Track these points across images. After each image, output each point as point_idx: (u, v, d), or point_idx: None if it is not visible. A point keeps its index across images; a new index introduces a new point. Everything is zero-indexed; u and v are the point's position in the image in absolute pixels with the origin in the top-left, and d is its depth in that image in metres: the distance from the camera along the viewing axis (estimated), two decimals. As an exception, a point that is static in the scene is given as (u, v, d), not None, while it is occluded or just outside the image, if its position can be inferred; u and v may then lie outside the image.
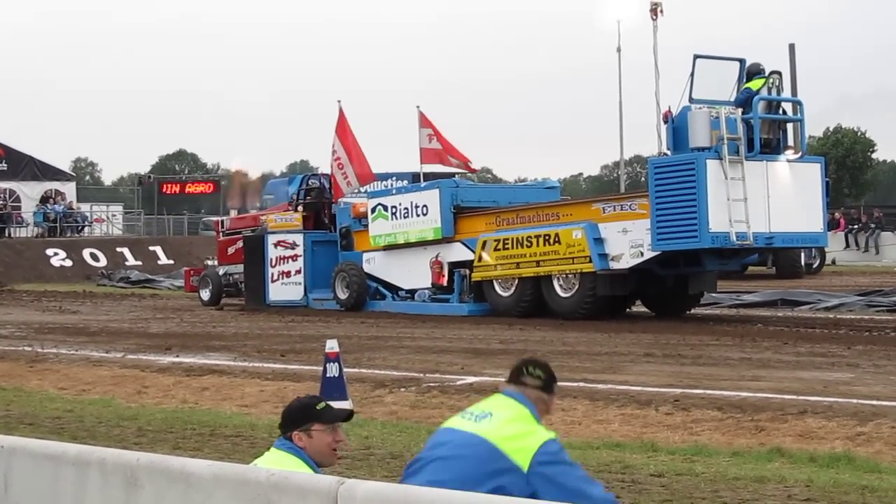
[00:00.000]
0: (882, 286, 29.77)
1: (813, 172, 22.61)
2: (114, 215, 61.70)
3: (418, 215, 26.10)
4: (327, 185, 29.69)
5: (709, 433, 11.29)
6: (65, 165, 67.04)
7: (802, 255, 37.11)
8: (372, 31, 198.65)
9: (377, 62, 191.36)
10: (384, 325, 23.41)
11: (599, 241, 22.70)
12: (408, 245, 26.40)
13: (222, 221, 34.53)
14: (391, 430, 11.67)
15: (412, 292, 26.51)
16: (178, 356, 18.55)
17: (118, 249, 48.74)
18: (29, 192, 54.51)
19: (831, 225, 41.61)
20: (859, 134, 72.03)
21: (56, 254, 47.02)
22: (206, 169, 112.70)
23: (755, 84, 22.13)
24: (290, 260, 28.64)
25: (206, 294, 31.10)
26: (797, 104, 23.27)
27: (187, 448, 11.00)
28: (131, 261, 47.63)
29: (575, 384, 13.70)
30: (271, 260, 28.62)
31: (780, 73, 22.97)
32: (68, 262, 46.70)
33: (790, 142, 22.71)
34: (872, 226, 48.30)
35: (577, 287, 23.17)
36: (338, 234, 28.89)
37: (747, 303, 26.61)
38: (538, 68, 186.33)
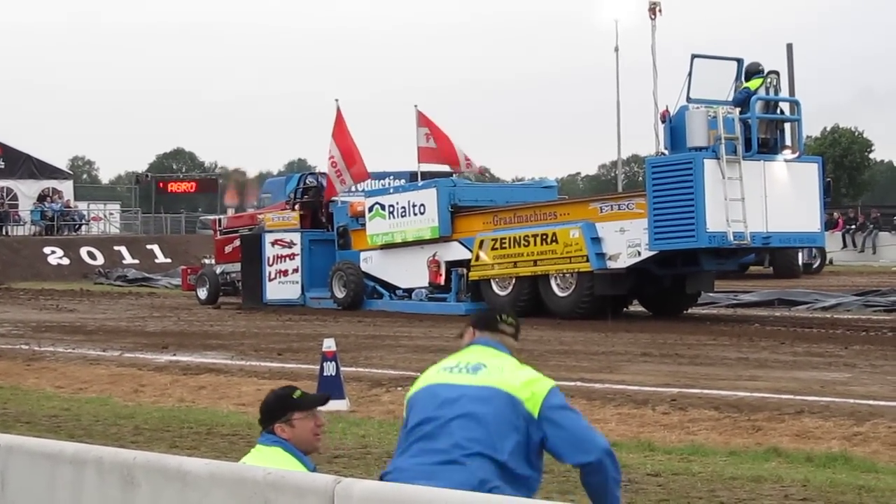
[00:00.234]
0: (879, 286, 29.79)
1: (810, 172, 22.61)
2: (111, 214, 61.68)
3: (415, 214, 26.09)
4: (324, 184, 29.68)
5: (705, 433, 11.29)
6: (62, 164, 67.03)
7: (802, 254, 37.16)
8: (370, 31, 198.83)
9: (375, 62, 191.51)
10: (381, 324, 23.42)
11: (597, 240, 22.71)
12: (405, 244, 26.40)
13: (220, 220, 34.53)
14: (388, 429, 11.65)
15: (409, 291, 26.51)
16: (175, 355, 18.54)
17: (115, 248, 48.75)
18: (26, 191, 54.51)
19: (829, 225, 41.66)
20: (857, 134, 72.13)
21: (53, 252, 47.02)
22: (203, 168, 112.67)
23: (753, 84, 22.13)
24: (287, 259, 28.63)
25: (203, 293, 31.07)
26: (795, 104, 23.27)
27: (184, 447, 11.00)
28: (128, 259, 47.65)
29: (572, 383, 13.69)
30: (268, 259, 28.61)
31: (777, 73, 22.99)
32: (65, 261, 46.70)
33: (788, 142, 22.71)
34: (870, 226, 48.33)
35: (574, 286, 23.17)
36: (335, 232, 28.87)
37: (744, 302, 26.61)
38: (535, 68, 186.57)
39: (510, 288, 24.18)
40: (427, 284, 25.90)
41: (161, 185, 62.16)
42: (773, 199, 21.76)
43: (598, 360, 16.67)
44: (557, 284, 23.47)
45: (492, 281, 24.49)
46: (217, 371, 16.36)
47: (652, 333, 20.17)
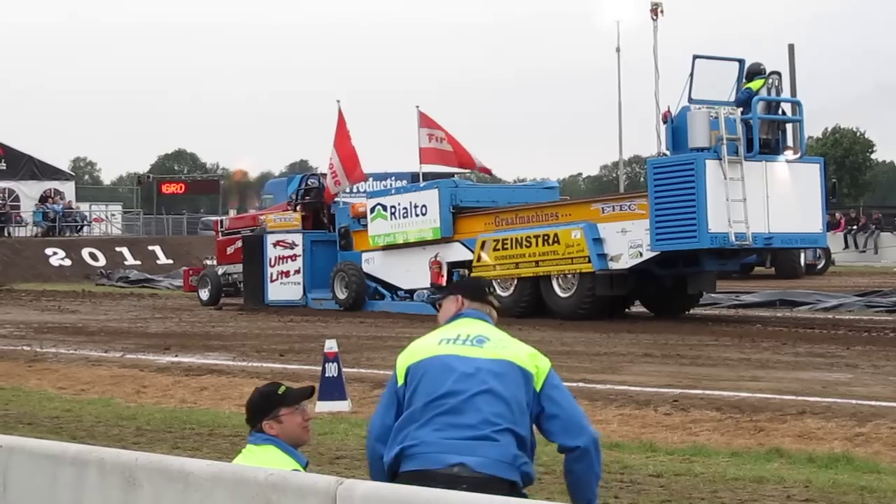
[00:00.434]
0: (881, 287, 29.79)
1: (812, 173, 22.60)
2: (113, 215, 61.70)
3: (417, 215, 26.09)
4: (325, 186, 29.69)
5: (707, 433, 11.29)
6: (64, 165, 67.07)
7: (804, 255, 37.15)
8: (372, 31, 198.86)
9: (377, 62, 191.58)
10: (383, 325, 23.41)
11: (598, 241, 22.70)
12: (407, 245, 26.39)
13: (221, 221, 34.55)
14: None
15: (411, 292, 26.50)
16: (176, 356, 18.54)
17: (117, 249, 48.76)
18: (28, 192, 54.51)
19: (831, 226, 41.64)
20: (858, 134, 72.09)
21: (55, 253, 47.02)
22: (205, 169, 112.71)
23: (755, 84, 22.13)
24: (289, 260, 28.64)
25: (205, 294, 31.08)
26: (796, 105, 23.26)
27: (186, 448, 11.00)
28: (130, 260, 47.65)
29: (574, 384, 13.66)
30: (270, 260, 28.61)
31: (779, 74, 22.97)
32: (67, 262, 46.71)
33: (789, 142, 22.71)
34: (872, 226, 48.31)
35: (575, 287, 23.17)
36: (337, 233, 28.88)
37: (746, 303, 26.61)
38: (537, 68, 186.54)
39: (512, 289, 24.18)
40: (429, 285, 25.89)
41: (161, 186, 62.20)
42: (775, 199, 21.75)
43: (599, 361, 16.67)
44: (559, 285, 23.46)
45: (493, 282, 24.46)
46: (219, 372, 16.36)
47: (654, 334, 20.16)
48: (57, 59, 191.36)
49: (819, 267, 38.88)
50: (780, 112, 22.68)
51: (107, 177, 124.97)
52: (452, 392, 4.95)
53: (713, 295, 26.30)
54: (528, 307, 23.66)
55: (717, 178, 21.16)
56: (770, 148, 22.16)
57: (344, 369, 13.27)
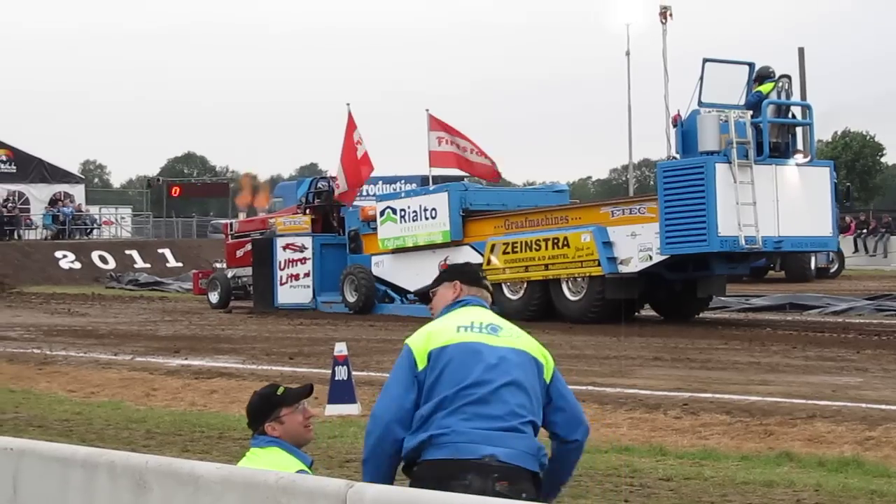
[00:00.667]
0: (891, 290, 29.76)
1: (822, 176, 22.58)
2: (122, 218, 61.75)
3: (427, 218, 26.11)
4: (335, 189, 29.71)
5: (717, 437, 11.28)
6: (73, 168, 67.30)
7: (815, 259, 37.12)
8: (381, 35, 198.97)
9: (387, 66, 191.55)
10: (392, 328, 23.41)
11: (608, 244, 22.70)
12: (416, 248, 26.41)
13: (231, 224, 34.60)
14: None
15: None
16: (186, 359, 18.56)
17: (127, 252, 48.83)
18: (38, 195, 54.62)
19: (840, 229, 41.56)
20: (868, 138, 71.98)
21: (65, 256, 47.10)
22: (214, 172, 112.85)
23: (765, 88, 22.12)
24: (298, 263, 28.66)
25: (214, 297, 31.12)
26: (806, 108, 23.23)
27: (196, 451, 11.02)
28: (140, 263, 47.72)
29: (583, 388, 13.67)
30: (280, 263, 28.64)
31: (789, 77, 22.97)
32: (77, 265, 46.78)
33: (799, 146, 22.69)
34: (882, 230, 48.23)
35: (585, 290, 23.17)
36: (346, 237, 28.91)
37: (756, 307, 26.61)
38: (547, 71, 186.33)
39: (521, 292, 24.18)
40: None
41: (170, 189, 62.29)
42: (785, 203, 21.74)
43: (609, 365, 16.66)
44: (569, 288, 23.46)
45: (503, 285, 24.46)
46: (228, 375, 16.38)
47: (663, 338, 20.15)
48: (67, 64, 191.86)
49: (832, 271, 38.87)
50: (790, 115, 22.66)
51: (116, 180, 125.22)
52: (480, 382, 4.90)
53: (723, 298, 26.29)
54: (537, 310, 23.66)
55: (726, 181, 21.15)
56: (780, 151, 22.15)
57: (353, 372, 13.28)
